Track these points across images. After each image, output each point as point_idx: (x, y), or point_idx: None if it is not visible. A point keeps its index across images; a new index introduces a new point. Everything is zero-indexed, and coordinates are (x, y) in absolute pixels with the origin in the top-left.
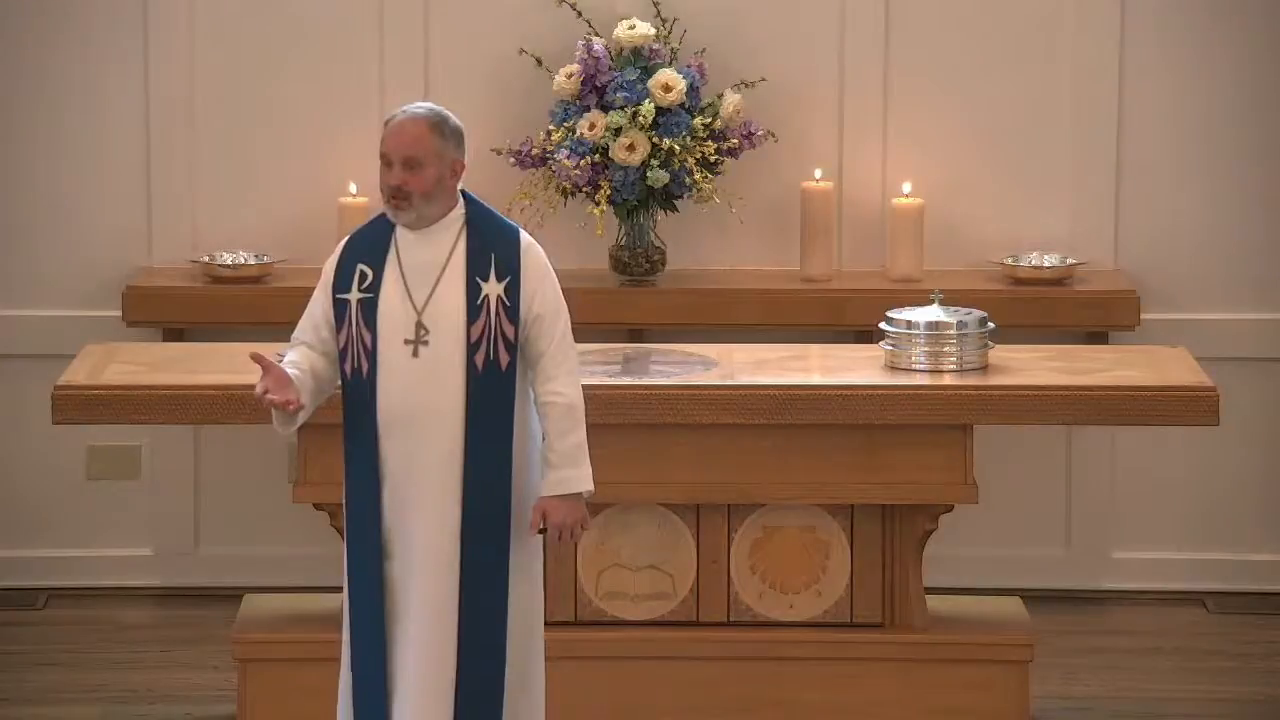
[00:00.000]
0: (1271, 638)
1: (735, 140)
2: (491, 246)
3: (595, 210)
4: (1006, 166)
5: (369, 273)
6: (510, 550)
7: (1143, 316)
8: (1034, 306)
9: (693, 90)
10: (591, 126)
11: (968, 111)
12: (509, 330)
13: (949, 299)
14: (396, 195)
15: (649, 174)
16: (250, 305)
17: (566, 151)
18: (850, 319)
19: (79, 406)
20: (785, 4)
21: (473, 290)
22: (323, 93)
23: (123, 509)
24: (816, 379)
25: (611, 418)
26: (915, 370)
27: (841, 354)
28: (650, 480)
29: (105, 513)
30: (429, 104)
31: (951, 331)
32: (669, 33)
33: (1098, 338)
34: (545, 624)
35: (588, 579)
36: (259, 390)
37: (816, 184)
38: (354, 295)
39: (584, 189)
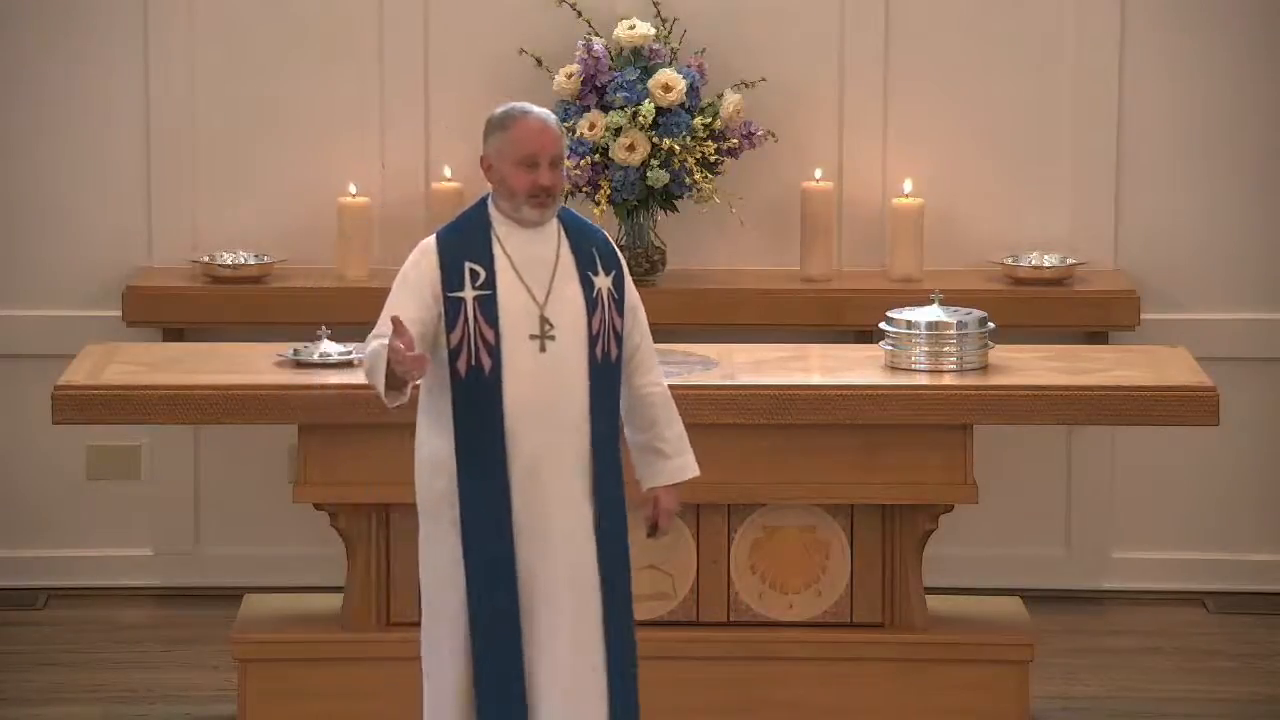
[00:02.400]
0: (1271, 638)
1: (735, 140)
2: (591, 242)
3: (595, 210)
4: (1006, 166)
5: (480, 270)
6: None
7: (1143, 316)
8: (1034, 306)
9: (693, 90)
10: (591, 126)
11: (968, 111)
12: (618, 323)
13: (949, 299)
14: (545, 194)
15: (649, 174)
16: (250, 305)
17: (566, 151)
18: (850, 319)
19: (79, 406)
20: (785, 4)
21: (587, 284)
22: (323, 93)
23: (123, 509)
24: (816, 379)
25: None
26: (915, 370)
27: (841, 354)
28: None
29: (105, 513)
30: (532, 105)
31: (951, 331)
32: (669, 33)
33: (1098, 338)
34: None
35: None
36: (395, 344)
37: (816, 184)
38: (469, 293)
39: (584, 189)
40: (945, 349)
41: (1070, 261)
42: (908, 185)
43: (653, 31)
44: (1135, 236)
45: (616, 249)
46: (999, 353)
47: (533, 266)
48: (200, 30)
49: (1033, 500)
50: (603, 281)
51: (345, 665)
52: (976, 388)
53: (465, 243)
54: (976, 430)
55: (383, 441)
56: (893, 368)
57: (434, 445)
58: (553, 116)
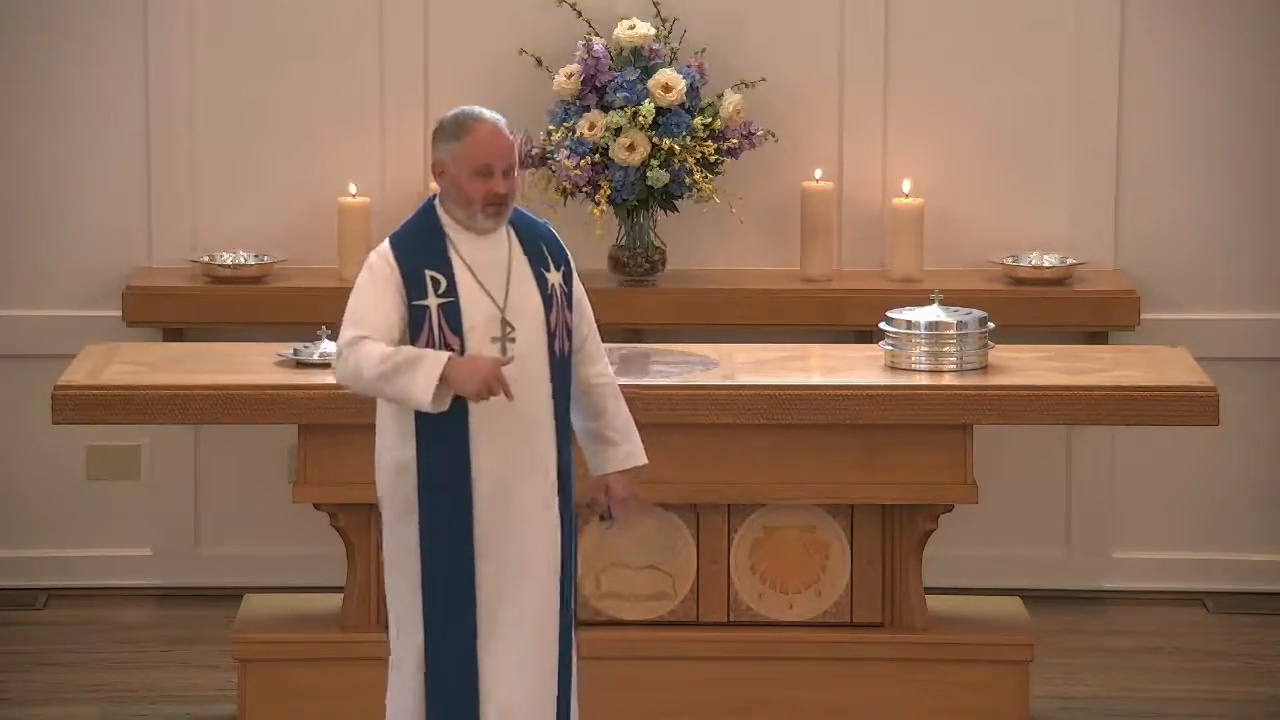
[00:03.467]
0: (1271, 638)
1: (735, 140)
2: (539, 238)
3: (595, 210)
4: (1006, 166)
5: (440, 278)
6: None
7: (1143, 316)
8: (1034, 306)
9: (693, 90)
10: (591, 126)
11: (968, 111)
12: (569, 317)
13: (949, 299)
14: (499, 203)
15: (649, 174)
16: (250, 305)
17: (566, 151)
18: (850, 319)
19: (79, 406)
20: (785, 4)
21: (541, 282)
22: (323, 93)
23: (123, 509)
24: (816, 379)
25: None
26: (915, 370)
27: (841, 354)
28: (650, 480)
29: (105, 513)
30: (484, 109)
31: (951, 331)
32: (669, 33)
33: (1098, 338)
34: None
35: (588, 579)
36: (496, 371)
37: (816, 184)
38: (432, 301)
39: (584, 189)
40: (945, 349)
41: (1070, 261)
42: (907, 185)
43: (653, 31)
44: (1135, 236)
45: (562, 242)
46: (999, 353)
47: (489, 270)
48: (200, 30)
49: (1033, 500)
50: (555, 278)
51: (345, 665)
52: (976, 388)
53: (421, 250)
54: (976, 430)
55: None
56: (893, 368)
57: (395, 452)
58: (504, 121)
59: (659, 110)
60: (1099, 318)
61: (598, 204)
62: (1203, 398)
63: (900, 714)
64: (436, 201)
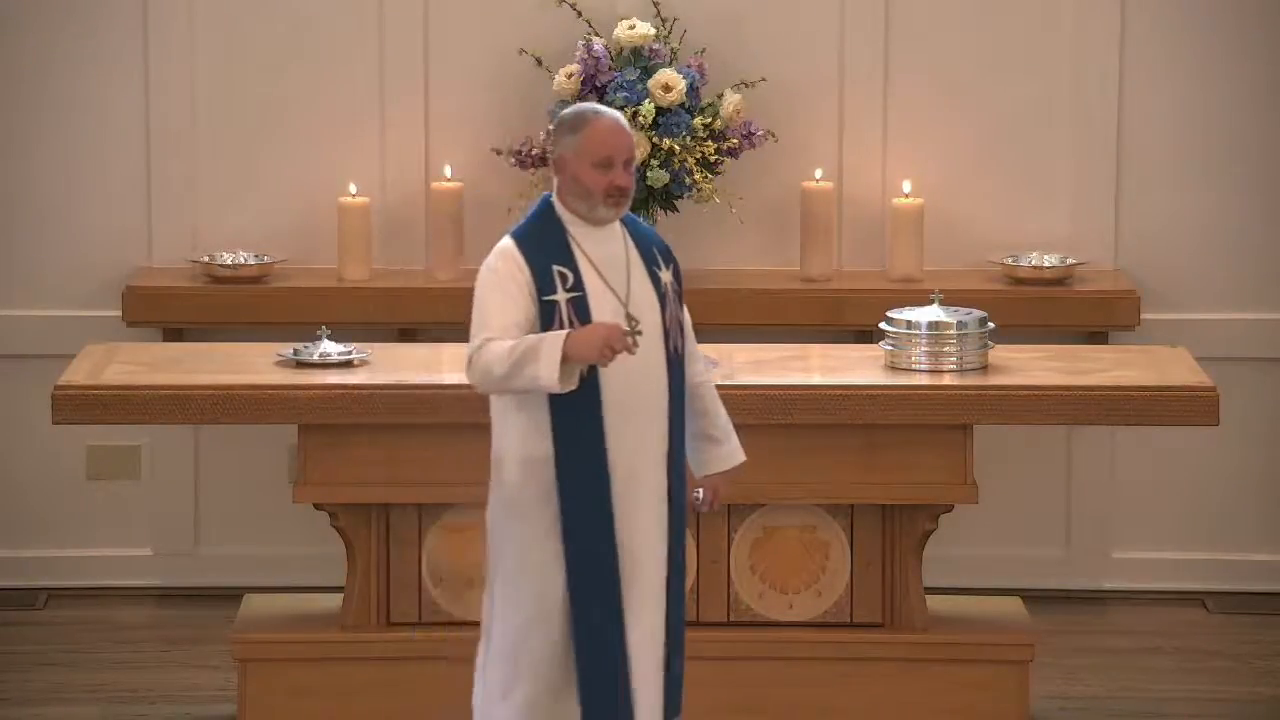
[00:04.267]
0: (1271, 638)
1: (735, 140)
2: (648, 237)
3: None
4: (1006, 166)
5: (567, 273)
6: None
7: (1143, 316)
8: (1034, 306)
9: (693, 90)
10: None
11: (968, 111)
12: (680, 316)
13: (949, 299)
14: (620, 194)
15: (649, 174)
16: (250, 305)
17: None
18: (850, 319)
19: (79, 406)
20: (785, 4)
21: (655, 280)
22: (323, 93)
23: (123, 509)
24: (816, 379)
25: None
26: (915, 370)
27: (841, 354)
28: None
29: (105, 513)
30: (600, 105)
31: (951, 331)
32: (669, 33)
33: (1098, 338)
34: None
35: None
36: (615, 329)
37: (816, 184)
38: (561, 296)
39: None
40: (945, 349)
41: (1070, 261)
42: (907, 185)
43: (653, 31)
44: (1135, 236)
45: (668, 244)
46: (999, 353)
47: (610, 265)
48: (200, 30)
49: (1033, 500)
50: (666, 276)
51: (345, 665)
52: (976, 388)
53: (545, 246)
54: (976, 430)
55: (383, 441)
56: (893, 368)
57: (528, 448)
58: (622, 116)
59: (659, 110)
60: (1099, 318)
61: None
62: (1203, 398)
63: (900, 714)
64: (554, 198)
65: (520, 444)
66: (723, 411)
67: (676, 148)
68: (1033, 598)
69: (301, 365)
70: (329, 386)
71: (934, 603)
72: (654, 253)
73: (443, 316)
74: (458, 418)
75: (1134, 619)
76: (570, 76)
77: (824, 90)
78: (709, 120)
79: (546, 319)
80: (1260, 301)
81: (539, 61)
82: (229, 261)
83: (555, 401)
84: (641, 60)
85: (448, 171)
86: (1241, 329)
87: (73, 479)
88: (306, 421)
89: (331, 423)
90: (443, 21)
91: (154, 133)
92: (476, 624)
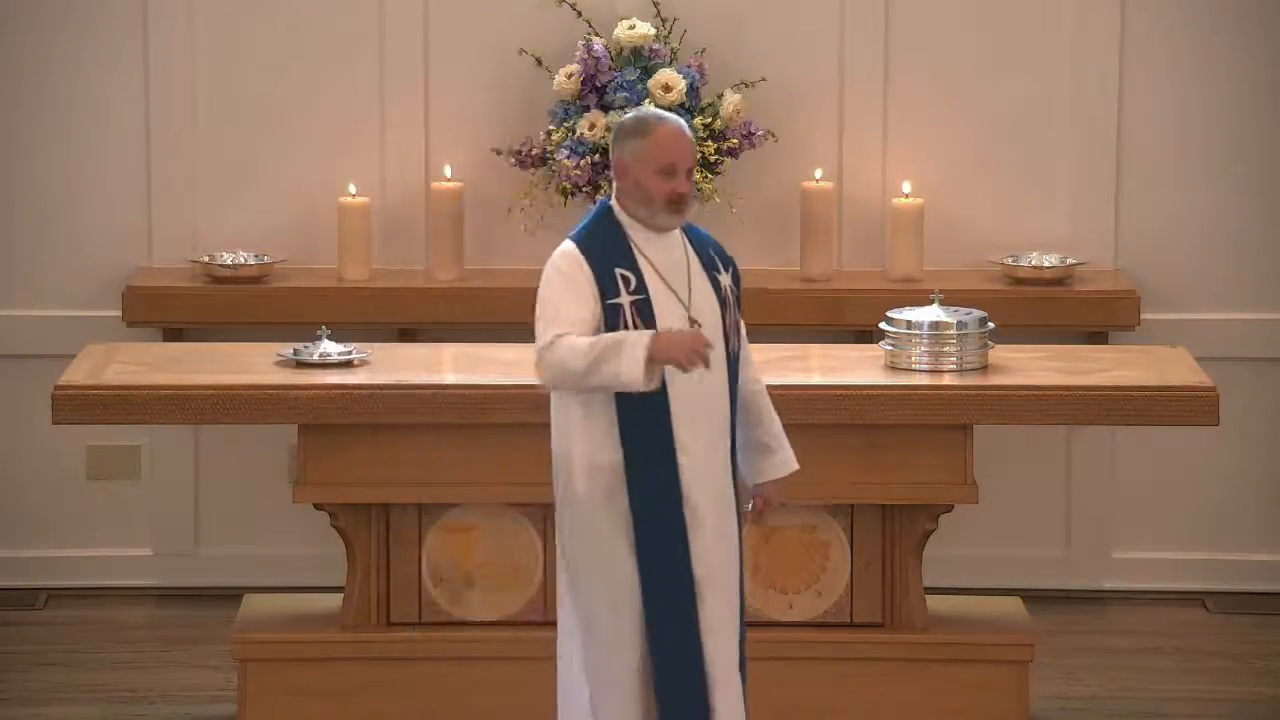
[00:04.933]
0: (1271, 638)
1: (735, 140)
2: (706, 241)
3: None
4: (1006, 166)
5: (630, 276)
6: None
7: (1143, 316)
8: (1034, 306)
9: (693, 90)
10: (591, 126)
11: (968, 111)
12: (738, 319)
13: (949, 299)
14: (682, 201)
15: None
16: (250, 305)
17: (566, 151)
18: (850, 319)
19: (79, 406)
20: (785, 4)
21: (715, 283)
22: (323, 93)
23: (123, 509)
24: (816, 379)
25: None
26: (915, 370)
27: (841, 354)
28: None
29: (105, 513)
30: (657, 109)
31: (951, 331)
32: (669, 33)
33: (1098, 338)
34: (544, 624)
35: None
36: (702, 336)
37: (816, 184)
38: (625, 299)
39: (584, 189)
40: (945, 349)
41: (1070, 261)
42: (907, 185)
43: (653, 31)
44: (1135, 236)
45: (724, 249)
46: (999, 353)
47: (671, 269)
48: (200, 30)
49: (1033, 500)
50: (725, 280)
51: (345, 665)
52: (976, 388)
53: (608, 250)
54: (976, 430)
55: (383, 441)
56: (893, 368)
57: (595, 454)
58: (684, 123)
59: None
60: (1099, 318)
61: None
62: (1203, 398)
63: (900, 714)
64: (613, 202)
65: (587, 450)
66: (776, 418)
67: None
68: (1033, 598)
69: (301, 365)
70: (329, 386)
71: (934, 603)
72: (712, 257)
73: (443, 316)
74: (458, 418)
75: (1134, 619)
76: (570, 76)
77: (824, 90)
78: (709, 120)
79: (611, 322)
80: (1260, 301)
81: (539, 61)
82: (229, 261)
83: (623, 407)
84: (641, 60)
85: (448, 171)
86: (1241, 329)
87: (73, 479)
88: (306, 421)
89: (331, 423)
90: (443, 21)
91: (154, 133)
92: (477, 624)
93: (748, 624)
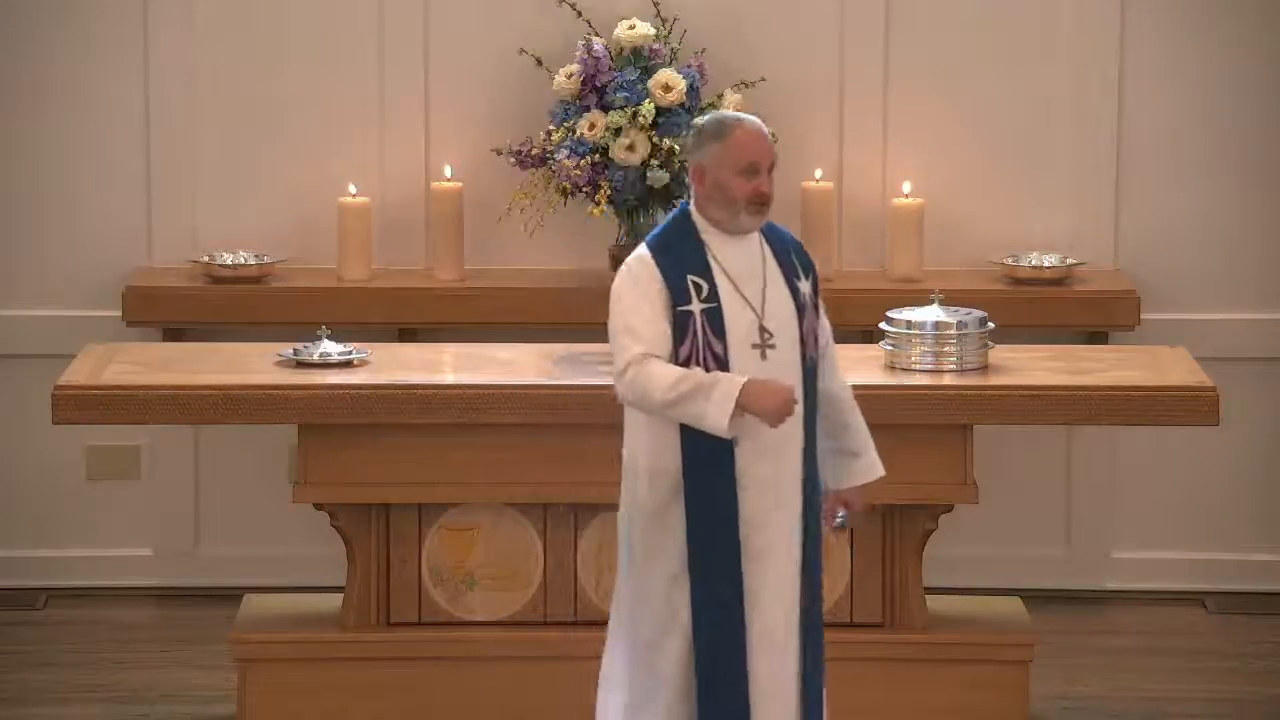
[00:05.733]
0: (1271, 638)
1: None
2: (788, 247)
3: (595, 210)
4: (1006, 166)
5: (702, 283)
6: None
7: (1143, 316)
8: (1034, 306)
9: (693, 90)
10: (591, 126)
11: (968, 111)
12: (817, 326)
13: (949, 299)
14: (764, 201)
15: (649, 174)
16: (250, 305)
17: (566, 151)
18: (850, 319)
19: (79, 406)
20: (785, 4)
21: (793, 290)
22: (323, 93)
23: (123, 509)
24: None
25: (611, 418)
26: (915, 370)
27: (841, 354)
28: None
29: (105, 513)
30: (734, 111)
31: (951, 331)
32: (669, 33)
33: (1098, 338)
34: (544, 624)
35: (588, 579)
36: (793, 395)
37: (816, 184)
38: (696, 306)
39: (584, 189)
40: (945, 349)
41: (1070, 261)
42: (907, 185)
43: (653, 31)
44: (1135, 236)
45: (808, 253)
46: (999, 353)
47: (746, 276)
48: (200, 30)
49: (1033, 500)
50: (805, 286)
51: (345, 665)
52: (976, 388)
53: (681, 256)
54: (976, 430)
55: (383, 441)
56: (893, 368)
57: (657, 459)
58: (761, 123)
59: (659, 110)
60: (1099, 318)
61: (598, 204)
62: (1203, 398)
63: (900, 714)
64: (691, 207)
65: (650, 455)
66: (862, 423)
67: (676, 148)
68: (1033, 598)
69: (301, 365)
70: (329, 386)
71: (934, 603)
72: (793, 262)
73: (443, 316)
74: (458, 418)
75: (1134, 619)
76: (570, 76)
77: (824, 90)
78: None
79: (680, 330)
80: (1260, 301)
81: (539, 61)
82: (229, 261)
83: None
84: (641, 60)
85: (448, 171)
86: (1241, 329)
87: (73, 479)
88: (306, 421)
89: (331, 423)
90: (443, 22)
91: (154, 133)
92: (477, 624)
93: None
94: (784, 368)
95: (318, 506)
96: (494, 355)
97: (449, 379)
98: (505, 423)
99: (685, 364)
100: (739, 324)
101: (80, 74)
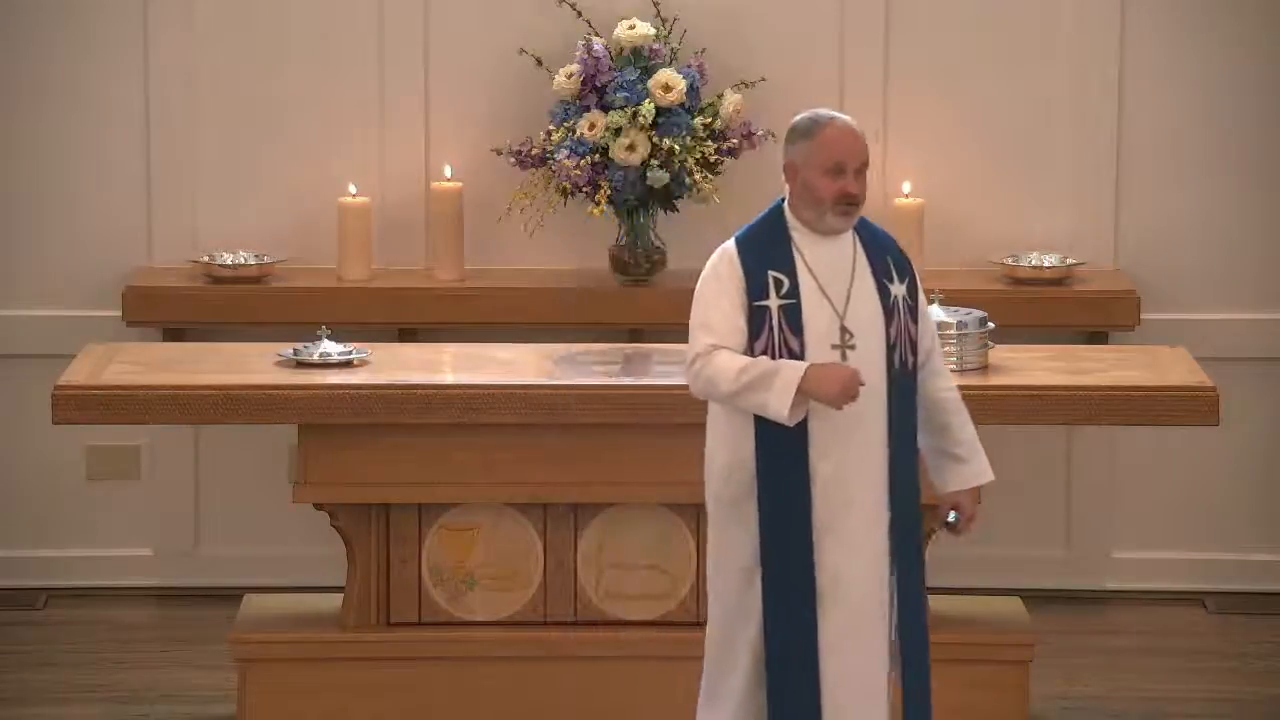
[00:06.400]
0: (1271, 638)
1: (735, 140)
2: (884, 249)
3: (595, 210)
4: (1006, 166)
5: (784, 280)
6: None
7: (1143, 316)
8: (1034, 306)
9: (693, 90)
10: (591, 126)
11: (968, 111)
12: (913, 330)
13: (949, 299)
14: (851, 201)
15: (649, 174)
16: (250, 305)
17: (566, 151)
18: None
19: (79, 406)
20: (785, 4)
21: (884, 293)
22: (323, 93)
23: (123, 509)
24: None
25: (612, 418)
26: None
27: None
28: (650, 480)
29: (105, 513)
30: (830, 110)
31: (951, 331)
32: (669, 33)
33: (1098, 338)
34: (544, 624)
35: (588, 579)
36: (856, 378)
37: None
38: (774, 302)
39: (584, 189)
40: (945, 349)
41: (1070, 261)
42: (907, 185)
43: (653, 31)
44: (1135, 236)
45: (907, 256)
46: (999, 353)
47: (831, 275)
48: (200, 30)
49: (1033, 500)
50: (898, 289)
51: (345, 665)
52: (976, 388)
53: (766, 251)
54: (977, 430)
55: (383, 441)
56: None
57: (733, 451)
58: (855, 122)
59: (659, 110)
60: (1099, 318)
61: (598, 204)
62: (1203, 398)
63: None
64: (785, 204)
65: (728, 449)
66: (969, 428)
67: (676, 148)
68: (1033, 598)
69: (301, 365)
70: (329, 386)
71: (934, 603)
72: (888, 263)
73: (443, 316)
74: (458, 418)
75: (1134, 619)
76: (570, 76)
77: (824, 90)
78: (709, 120)
79: (757, 325)
80: (1260, 301)
81: (539, 61)
82: (229, 261)
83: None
84: (641, 60)
85: (448, 171)
86: (1241, 329)
87: (73, 479)
88: (306, 421)
89: (331, 423)
90: (443, 22)
91: (154, 133)
92: (477, 624)
93: None
94: (864, 368)
95: (318, 506)
96: (494, 355)
97: (449, 379)
98: (505, 423)
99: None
100: (818, 322)
101: (80, 74)
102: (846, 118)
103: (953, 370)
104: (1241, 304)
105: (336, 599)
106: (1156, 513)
